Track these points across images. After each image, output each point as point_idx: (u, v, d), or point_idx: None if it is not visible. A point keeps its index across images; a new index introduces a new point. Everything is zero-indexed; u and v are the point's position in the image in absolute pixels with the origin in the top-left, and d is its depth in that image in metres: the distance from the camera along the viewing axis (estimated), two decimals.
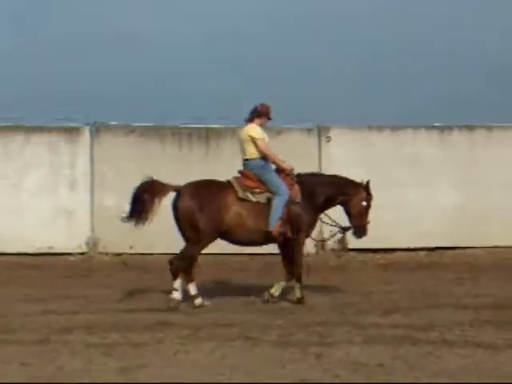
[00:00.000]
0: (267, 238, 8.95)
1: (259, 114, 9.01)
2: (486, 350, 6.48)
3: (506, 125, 14.39)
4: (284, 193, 8.77)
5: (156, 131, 14.21)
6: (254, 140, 8.85)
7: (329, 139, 13.73)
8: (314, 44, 22.48)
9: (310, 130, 14.03)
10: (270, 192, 8.78)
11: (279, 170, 9.03)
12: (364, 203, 9.18)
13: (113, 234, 13.46)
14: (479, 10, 22.61)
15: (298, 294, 9.08)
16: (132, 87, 20.90)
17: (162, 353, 6.54)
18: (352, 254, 12.70)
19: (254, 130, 8.93)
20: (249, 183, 8.83)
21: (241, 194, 8.73)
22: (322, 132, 13.85)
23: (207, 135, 14.04)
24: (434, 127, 14.23)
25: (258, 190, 8.80)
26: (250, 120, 9.06)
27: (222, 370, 5.95)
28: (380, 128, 14.21)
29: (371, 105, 19.82)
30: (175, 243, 13.24)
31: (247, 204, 8.75)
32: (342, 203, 9.24)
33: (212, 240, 8.87)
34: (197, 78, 21.61)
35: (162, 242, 13.23)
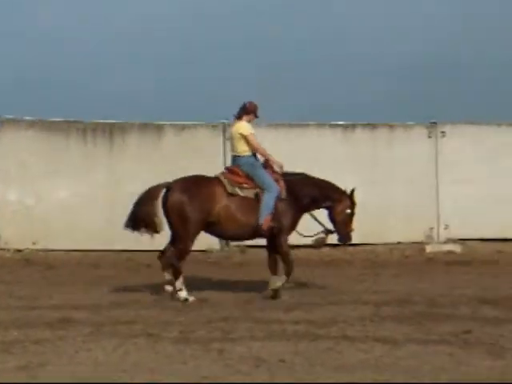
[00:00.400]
0: (254, 233, 9.13)
1: (247, 111, 9.21)
2: (386, 344, 6.64)
3: (407, 123, 14.72)
4: (274, 189, 8.97)
5: (60, 126, 13.97)
6: (244, 137, 9.05)
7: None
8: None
9: (215, 127, 14.04)
10: (259, 188, 8.95)
11: (266, 166, 9.20)
12: (348, 211, 9.34)
13: (15, 229, 13.24)
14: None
15: (274, 285, 9.16)
16: (40, 81, 20.50)
17: (63, 350, 6.46)
18: (256, 250, 12.81)
19: (243, 127, 9.14)
20: (237, 179, 8.99)
21: (229, 188, 8.89)
22: (227, 129, 13.87)
23: (111, 130, 13.90)
24: (337, 125, 14.46)
25: (246, 186, 8.98)
26: (239, 117, 9.27)
27: (124, 367, 5.93)
28: (279, 126, 14.32)
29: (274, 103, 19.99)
30: (79, 239, 13.19)
31: (235, 198, 8.92)
32: (326, 207, 9.41)
33: (199, 231, 8.98)
34: (105, 75, 21.42)
35: (65, 239, 13.09)
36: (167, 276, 9.04)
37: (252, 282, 10.36)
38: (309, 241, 9.47)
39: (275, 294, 9.13)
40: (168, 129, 14.05)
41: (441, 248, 13.75)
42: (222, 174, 9.17)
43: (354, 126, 14.42)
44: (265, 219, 8.92)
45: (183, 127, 14.03)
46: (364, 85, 21.11)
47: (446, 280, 10.90)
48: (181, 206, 8.77)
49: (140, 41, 22.36)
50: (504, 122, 14.70)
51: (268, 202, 8.90)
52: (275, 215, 9.00)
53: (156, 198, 8.95)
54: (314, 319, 7.83)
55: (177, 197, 8.83)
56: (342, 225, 9.37)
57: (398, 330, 7.26)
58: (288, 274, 9.24)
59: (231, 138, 9.40)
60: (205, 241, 13.10)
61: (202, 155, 13.57)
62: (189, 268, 9.95)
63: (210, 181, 9.04)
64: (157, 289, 9.53)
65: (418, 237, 13.96)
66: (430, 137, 14.33)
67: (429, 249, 13.79)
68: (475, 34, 21.74)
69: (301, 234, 9.34)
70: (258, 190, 8.97)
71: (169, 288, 9.00)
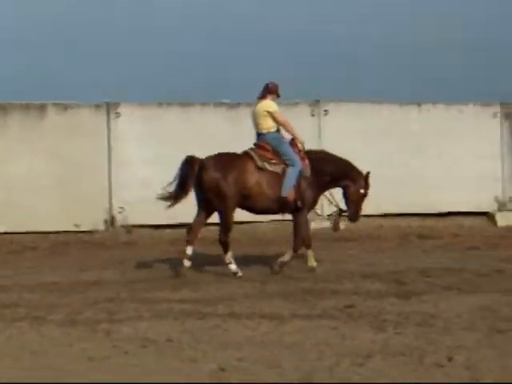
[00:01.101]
0: (281, 206, 9.39)
1: (270, 91, 9.50)
2: (272, 321, 6.76)
3: (290, 101, 14.70)
4: (298, 164, 9.26)
5: None
6: (271, 114, 9.34)
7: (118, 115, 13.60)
8: None
9: (98, 106, 13.81)
10: (285, 163, 9.25)
11: (291, 144, 9.45)
12: (362, 191, 9.59)
13: None
14: None
15: (311, 262, 9.49)
16: None
17: None
18: (141, 230, 12.76)
19: (270, 105, 9.42)
20: (266, 154, 9.28)
21: (259, 163, 9.19)
22: (110, 108, 13.67)
23: None
24: (222, 104, 14.49)
25: (273, 161, 9.25)
26: (263, 97, 9.52)
27: (8, 350, 5.83)
28: (169, 104, 14.27)
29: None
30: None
31: (265, 173, 9.21)
32: (343, 187, 9.61)
33: (236, 205, 9.24)
34: None
35: None
36: (189, 251, 9.23)
37: (138, 262, 10.30)
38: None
39: (313, 269, 9.48)
40: (50, 109, 13.70)
41: (322, 224, 14.01)
42: (252, 149, 9.40)
43: (238, 105, 14.44)
44: (289, 192, 9.23)
45: (66, 107, 13.71)
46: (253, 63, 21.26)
47: (330, 256, 11.10)
48: (217, 183, 9.01)
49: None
50: (385, 101, 15.06)
51: (291, 176, 9.22)
52: (299, 192, 9.31)
53: (193, 174, 9.08)
54: (201, 297, 7.88)
55: (212, 175, 9.06)
56: (355, 203, 9.64)
57: (284, 307, 7.40)
58: (308, 246, 9.51)
59: (255, 117, 9.53)
60: (90, 221, 13.05)
61: (85, 135, 13.35)
62: (73, 249, 9.84)
63: (241, 157, 9.32)
64: (41, 271, 9.35)
65: None
66: (313, 115, 14.55)
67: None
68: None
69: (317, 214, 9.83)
70: (284, 165, 9.28)
71: (187, 263, 9.22)
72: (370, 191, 9.77)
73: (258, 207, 9.50)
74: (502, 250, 11.38)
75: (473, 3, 24.35)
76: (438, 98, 15.41)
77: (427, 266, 9.88)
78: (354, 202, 9.62)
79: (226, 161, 9.23)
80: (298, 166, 9.28)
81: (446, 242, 12.63)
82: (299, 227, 9.48)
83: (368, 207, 12.72)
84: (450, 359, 5.53)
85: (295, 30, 21.47)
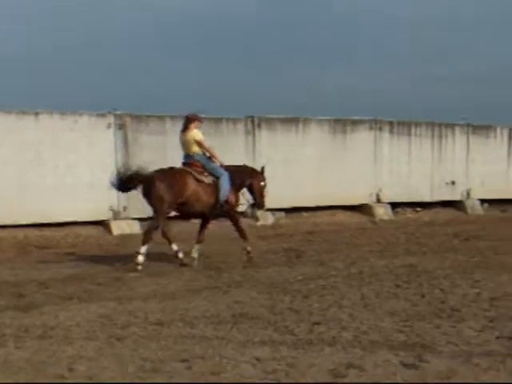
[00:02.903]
0: (214, 209, 11.26)
1: (192, 119, 11.36)
2: None
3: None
4: (225, 174, 11.25)
5: None
6: (198, 142, 11.21)
7: None
8: None
9: None
10: (213, 176, 11.19)
11: (212, 160, 11.35)
12: (262, 183, 11.87)
13: None
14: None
15: (246, 249, 11.43)
16: None
17: None
18: None
19: (197, 134, 11.25)
20: (199, 170, 11.16)
21: (198, 176, 11.06)
22: None
23: None
24: None
25: (206, 174, 11.18)
26: (187, 127, 11.30)
27: None
28: None
29: None
30: None
31: (201, 184, 11.07)
32: (248, 185, 11.77)
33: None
34: None
35: None
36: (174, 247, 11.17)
37: None
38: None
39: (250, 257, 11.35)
40: None
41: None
42: (186, 165, 11.23)
43: None
44: (227, 196, 11.28)
45: None
46: None
47: None
48: (163, 193, 10.77)
49: None
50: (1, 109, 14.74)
51: (224, 183, 11.24)
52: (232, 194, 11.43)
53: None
54: None
55: (160, 185, 10.75)
56: (259, 194, 11.87)
57: None
58: (245, 237, 11.49)
59: (185, 144, 11.30)
60: None
61: None
62: None
63: (182, 171, 11.11)
64: None
65: None
66: None
67: None
68: None
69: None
70: (213, 177, 11.22)
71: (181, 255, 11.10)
72: None
73: (195, 211, 11.33)
74: (119, 258, 11.70)
75: None
76: (55, 107, 15.43)
77: (47, 277, 9.87)
78: (258, 193, 11.85)
79: (169, 174, 10.99)
80: (226, 175, 11.26)
81: (65, 251, 12.68)
82: (236, 222, 11.56)
83: None
84: (70, 370, 5.61)
85: None
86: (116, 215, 15.57)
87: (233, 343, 6.39)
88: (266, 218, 17.51)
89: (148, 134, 16.10)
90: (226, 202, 11.28)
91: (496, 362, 5.76)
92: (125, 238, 14.51)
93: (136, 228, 15.41)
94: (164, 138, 16.14)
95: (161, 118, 16.39)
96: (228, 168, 11.44)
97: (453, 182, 21.20)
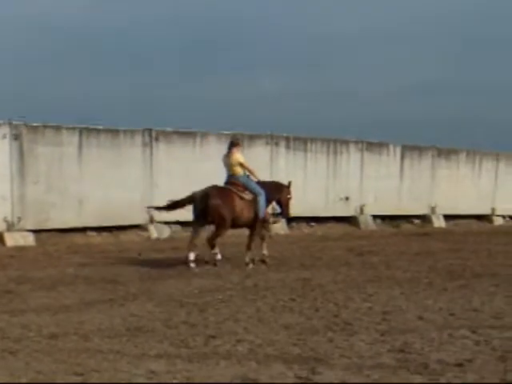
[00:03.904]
0: (253, 222, 12.77)
1: (235, 144, 12.81)
2: None
3: None
4: (263, 193, 12.73)
5: None
6: (242, 164, 12.63)
7: None
8: None
9: None
10: (253, 194, 12.61)
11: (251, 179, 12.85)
12: (288, 196, 13.52)
13: None
14: None
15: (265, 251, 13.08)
16: None
17: None
18: None
19: (241, 157, 12.70)
20: (241, 189, 12.56)
21: (240, 194, 12.49)
22: None
23: None
24: None
25: (246, 192, 12.58)
26: (231, 151, 12.66)
27: None
28: None
29: None
30: None
31: (244, 201, 12.51)
32: (277, 199, 13.45)
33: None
34: None
35: None
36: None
37: None
38: None
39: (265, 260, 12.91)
40: None
41: None
42: (230, 185, 12.56)
43: None
44: (265, 213, 12.94)
45: None
46: None
47: None
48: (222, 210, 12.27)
49: None
50: None
51: (263, 202, 12.74)
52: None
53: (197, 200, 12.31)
54: None
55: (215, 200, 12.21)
56: (286, 206, 13.56)
57: None
58: (250, 248, 12.80)
59: (230, 165, 12.64)
60: None
61: None
62: None
63: (229, 190, 12.48)
64: None
65: None
66: None
67: None
68: None
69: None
70: (253, 195, 12.61)
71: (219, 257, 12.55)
72: None
73: (240, 224, 12.80)
74: (12, 270, 11.47)
75: None
76: None
77: None
78: (285, 205, 13.53)
79: (222, 191, 12.41)
80: (263, 194, 12.72)
81: None
82: (258, 233, 13.00)
83: None
84: None
85: None
86: (10, 226, 15.22)
87: (128, 357, 6.36)
88: (161, 232, 17.50)
89: (44, 145, 15.83)
90: (263, 218, 12.96)
91: (387, 374, 5.93)
92: (20, 249, 14.20)
93: (30, 240, 15.12)
94: (60, 148, 15.92)
95: (57, 128, 16.15)
96: (263, 184, 13.04)
97: (347, 198, 21.70)
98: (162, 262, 12.76)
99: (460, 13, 46.80)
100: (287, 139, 20.44)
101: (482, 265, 13.02)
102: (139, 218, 17.20)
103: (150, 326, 7.58)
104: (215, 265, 12.24)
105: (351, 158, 21.88)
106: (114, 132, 17.06)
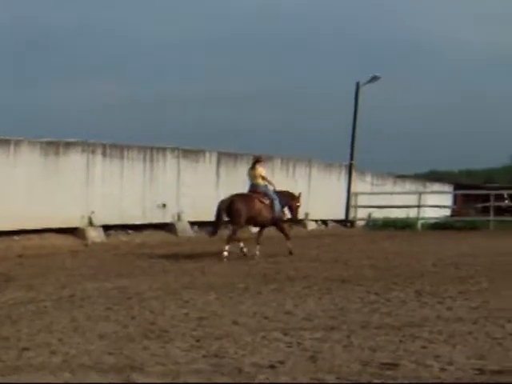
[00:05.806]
0: (271, 221, 16.46)
1: (259, 160, 16.55)
2: None
3: None
4: (277, 198, 16.26)
5: None
6: (263, 176, 16.36)
7: None
8: None
9: None
10: (270, 199, 16.12)
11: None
12: (298, 204, 17.20)
13: None
14: None
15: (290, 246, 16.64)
16: None
17: None
18: None
19: (263, 171, 16.43)
20: (261, 195, 16.09)
21: (261, 199, 15.97)
22: None
23: None
24: None
25: (265, 198, 16.09)
26: (255, 166, 16.42)
27: None
28: None
29: None
30: None
31: (263, 204, 16.00)
32: (289, 205, 17.03)
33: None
34: None
35: None
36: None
37: None
38: None
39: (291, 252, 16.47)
40: None
41: None
42: (252, 192, 16.16)
43: None
44: (279, 213, 16.39)
45: None
46: None
47: None
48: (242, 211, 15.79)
49: None
50: None
51: (277, 205, 16.19)
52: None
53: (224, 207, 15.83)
54: None
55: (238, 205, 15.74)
56: (296, 212, 17.28)
57: None
58: (288, 237, 16.73)
59: (253, 176, 16.29)
60: None
61: None
62: None
63: (251, 196, 16.07)
64: None
65: None
66: None
67: None
68: None
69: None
70: (270, 200, 16.08)
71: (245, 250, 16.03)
72: None
73: (259, 223, 16.51)
74: None
75: None
76: None
77: None
78: (295, 211, 17.25)
79: (245, 197, 16.09)
80: (278, 200, 16.25)
81: None
82: (282, 228, 16.90)
83: None
84: None
85: None
86: None
87: None
88: None
89: None
90: (279, 217, 16.56)
91: (203, 379, 6.02)
92: None
93: None
94: None
95: None
96: (278, 192, 16.62)
97: (164, 205, 21.76)
98: None
99: None
100: (104, 146, 20.22)
101: (295, 268, 13.50)
102: None
103: None
104: (245, 255, 15.68)
105: (167, 165, 21.98)
106: None
